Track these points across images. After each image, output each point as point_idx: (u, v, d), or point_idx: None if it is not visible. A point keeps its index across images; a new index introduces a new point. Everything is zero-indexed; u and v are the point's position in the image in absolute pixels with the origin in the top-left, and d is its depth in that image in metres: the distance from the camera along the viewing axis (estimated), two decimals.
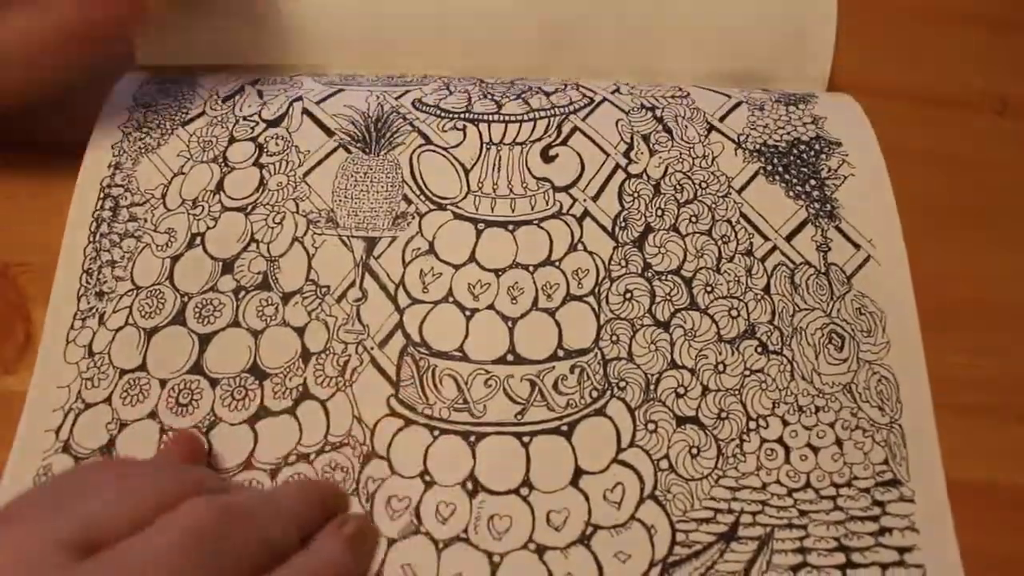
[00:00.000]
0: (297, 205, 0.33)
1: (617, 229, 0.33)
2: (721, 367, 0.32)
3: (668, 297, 0.32)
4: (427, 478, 0.30)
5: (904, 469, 0.30)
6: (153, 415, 0.30)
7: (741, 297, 0.33)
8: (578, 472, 0.30)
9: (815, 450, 0.31)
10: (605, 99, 0.35)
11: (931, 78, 0.41)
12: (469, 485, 0.30)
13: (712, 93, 0.37)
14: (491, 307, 0.32)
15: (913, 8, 0.43)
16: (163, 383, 0.31)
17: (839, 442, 0.31)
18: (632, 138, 0.34)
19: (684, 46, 0.38)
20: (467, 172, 0.34)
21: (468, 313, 0.32)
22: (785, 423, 0.31)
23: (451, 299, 0.32)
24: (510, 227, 0.33)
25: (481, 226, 0.33)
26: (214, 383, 0.31)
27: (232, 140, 0.34)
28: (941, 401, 0.31)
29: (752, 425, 0.31)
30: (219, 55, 0.37)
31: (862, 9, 0.41)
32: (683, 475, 0.30)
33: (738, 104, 0.36)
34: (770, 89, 0.38)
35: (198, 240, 0.33)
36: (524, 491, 0.30)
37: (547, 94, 0.35)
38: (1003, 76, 0.41)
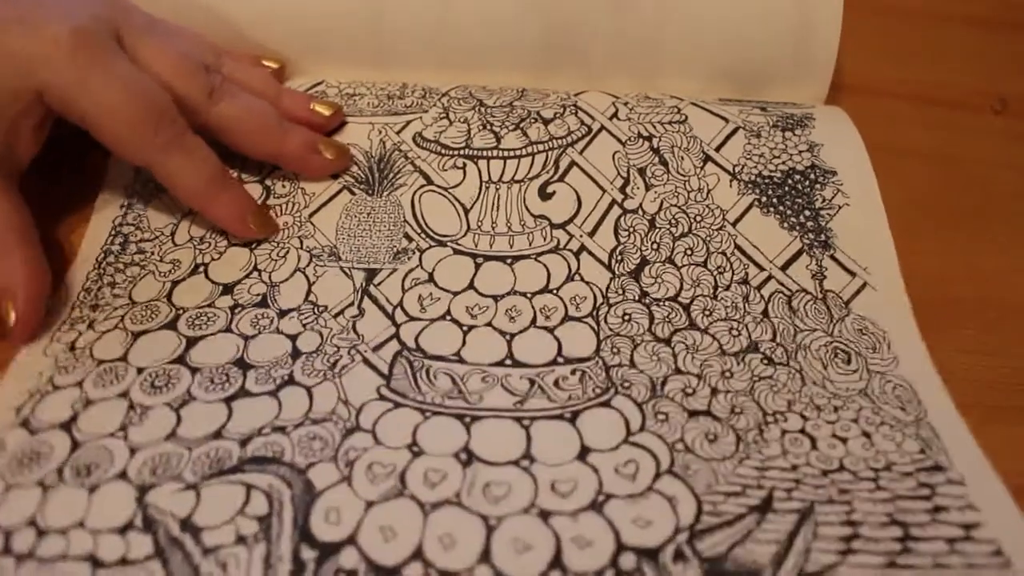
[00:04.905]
0: (301, 242, 0.34)
1: (613, 262, 0.34)
2: (728, 374, 0.30)
3: (667, 319, 0.32)
4: (415, 449, 0.27)
5: (945, 457, 0.27)
6: (123, 395, 0.28)
7: (740, 320, 0.32)
8: (585, 450, 0.27)
9: (843, 440, 0.28)
10: (603, 127, 0.37)
11: (931, 78, 0.42)
12: (463, 456, 0.26)
13: (710, 116, 0.37)
14: (489, 324, 0.32)
15: (913, 8, 0.44)
16: (140, 370, 0.29)
17: (867, 434, 0.28)
18: (628, 172, 0.35)
19: (686, 47, 0.39)
20: (467, 211, 0.35)
21: (466, 328, 0.31)
22: (804, 418, 0.29)
23: (448, 318, 0.32)
24: (508, 260, 0.34)
25: (480, 260, 0.34)
26: (194, 371, 0.29)
27: (240, 183, 0.36)
28: None
29: (770, 419, 0.29)
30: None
31: (862, 9, 0.40)
32: (702, 456, 0.27)
33: (735, 131, 0.37)
34: (768, 108, 0.38)
35: (201, 268, 0.33)
36: (525, 463, 0.26)
37: (545, 122, 0.37)
38: (1003, 76, 0.41)
